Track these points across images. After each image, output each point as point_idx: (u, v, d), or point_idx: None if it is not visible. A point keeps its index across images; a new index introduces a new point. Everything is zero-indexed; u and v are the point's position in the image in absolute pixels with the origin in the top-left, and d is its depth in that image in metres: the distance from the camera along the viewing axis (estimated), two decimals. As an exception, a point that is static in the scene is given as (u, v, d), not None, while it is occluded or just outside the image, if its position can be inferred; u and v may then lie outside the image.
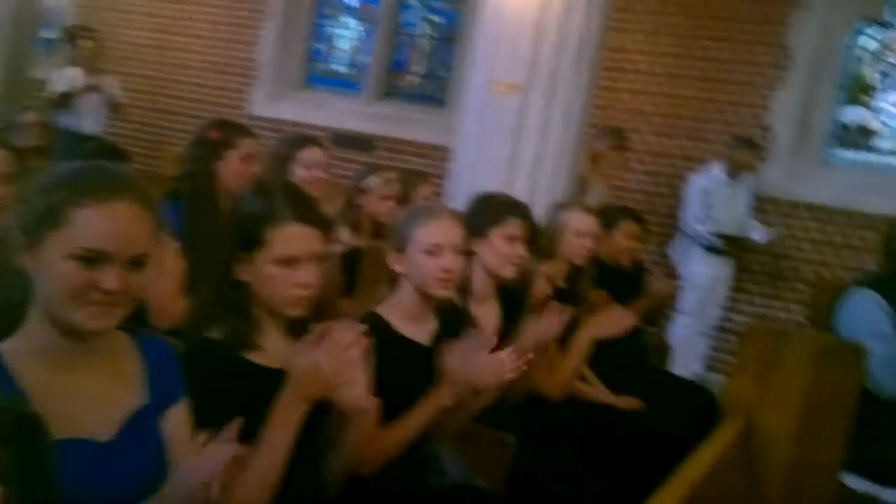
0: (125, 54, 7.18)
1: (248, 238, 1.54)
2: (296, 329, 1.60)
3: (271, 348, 1.57)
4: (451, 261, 1.96)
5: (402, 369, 1.87)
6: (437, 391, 1.88)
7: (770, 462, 1.74)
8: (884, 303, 2.86)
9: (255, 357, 1.55)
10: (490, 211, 2.51)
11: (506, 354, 1.92)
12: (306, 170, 3.11)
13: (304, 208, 1.58)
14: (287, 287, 1.53)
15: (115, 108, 6.09)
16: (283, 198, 1.57)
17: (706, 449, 1.55)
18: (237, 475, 1.28)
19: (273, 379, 1.52)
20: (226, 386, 1.42)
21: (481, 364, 1.88)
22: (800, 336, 1.86)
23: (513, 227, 2.45)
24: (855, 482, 2.59)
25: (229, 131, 2.86)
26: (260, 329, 1.56)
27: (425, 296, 1.99)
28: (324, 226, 1.61)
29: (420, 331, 2.02)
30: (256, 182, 1.86)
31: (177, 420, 1.36)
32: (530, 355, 2.03)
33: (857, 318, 2.85)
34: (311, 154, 3.15)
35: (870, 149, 5.30)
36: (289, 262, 1.53)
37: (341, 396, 1.53)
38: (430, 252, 1.95)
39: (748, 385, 1.81)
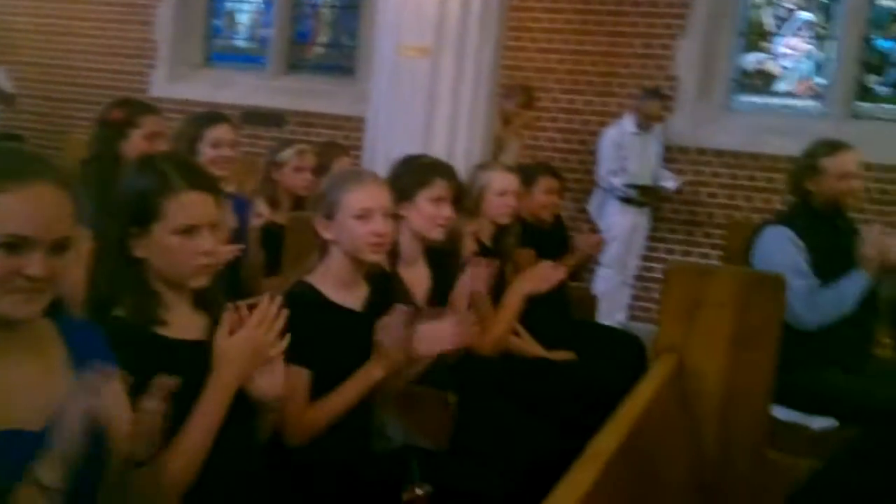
0: (13, 42, 6.83)
1: (143, 212, 1.50)
2: (201, 302, 1.58)
3: (179, 322, 1.54)
4: (382, 224, 1.95)
5: (336, 336, 1.85)
6: (370, 365, 1.88)
7: (703, 397, 1.79)
8: (796, 238, 2.97)
9: (165, 331, 1.52)
10: (414, 173, 2.49)
11: (448, 323, 1.93)
12: (214, 149, 3.01)
13: (195, 175, 1.55)
14: (189, 257, 1.50)
15: (5, 99, 5.79)
16: (173, 168, 1.53)
17: (641, 389, 1.58)
18: (166, 450, 1.27)
19: (185, 351, 1.51)
20: (139, 362, 1.38)
21: (422, 334, 1.90)
22: (722, 273, 1.90)
23: (438, 188, 2.44)
24: (781, 412, 2.70)
25: (132, 110, 2.76)
26: (164, 304, 1.53)
27: (356, 261, 1.97)
28: (217, 191, 1.58)
29: (352, 297, 2.00)
30: (139, 157, 1.81)
31: (111, 401, 1.32)
32: (474, 327, 2.02)
33: (772, 254, 2.95)
34: (218, 132, 3.06)
35: (770, 92, 5.48)
36: (188, 231, 1.50)
37: (256, 386, 1.55)
38: (360, 217, 1.94)
39: (676, 324, 1.85)
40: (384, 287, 2.08)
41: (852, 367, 2.84)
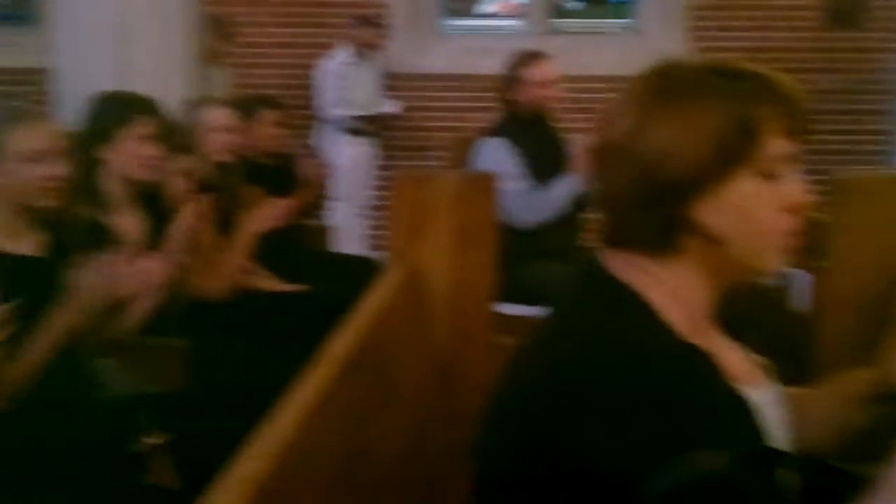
0: None
1: None
2: None
3: None
4: (55, 168, 1.79)
5: (15, 287, 1.68)
6: (60, 309, 1.74)
7: (433, 297, 1.82)
8: (508, 146, 3.16)
9: None
10: (113, 112, 2.33)
11: (150, 260, 1.84)
12: None
13: None
14: None
15: None
16: None
17: (373, 295, 1.57)
18: None
19: None
20: None
21: (124, 273, 1.79)
22: (442, 177, 1.93)
23: (142, 125, 2.30)
24: (507, 308, 2.87)
25: None
26: None
27: (26, 206, 1.79)
28: None
29: (26, 244, 1.82)
30: None
31: None
32: (179, 258, 1.94)
33: (489, 164, 3.10)
34: None
35: (476, 14, 5.72)
36: None
37: None
38: (30, 159, 1.76)
39: (404, 230, 1.87)
40: (78, 231, 1.91)
41: (565, 260, 3.09)
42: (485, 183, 1.94)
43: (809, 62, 5.10)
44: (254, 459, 0.86)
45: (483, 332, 1.80)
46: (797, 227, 0.94)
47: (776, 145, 0.91)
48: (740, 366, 1.00)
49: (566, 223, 3.13)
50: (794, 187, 0.93)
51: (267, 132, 3.51)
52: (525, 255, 2.95)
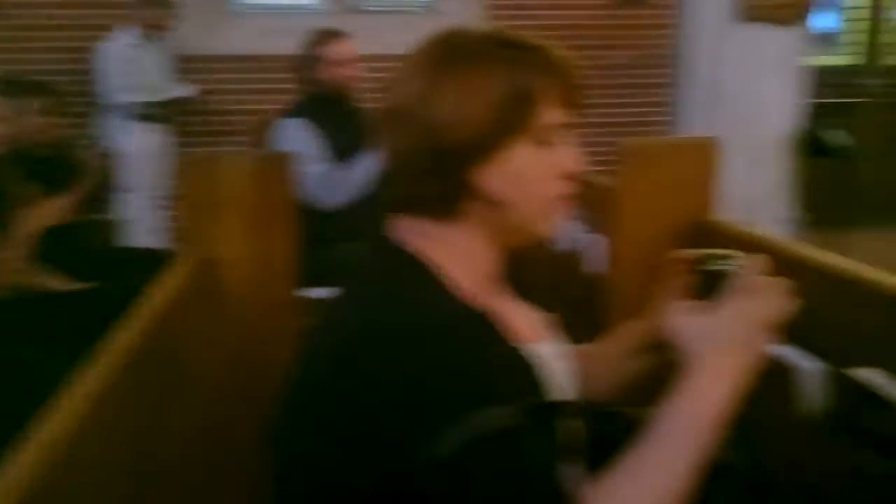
0: None
1: None
2: None
3: None
4: None
5: None
6: None
7: (231, 286, 1.76)
8: (308, 126, 3.10)
9: None
10: None
11: None
12: None
13: None
14: None
15: None
16: None
17: (161, 286, 1.49)
18: None
19: None
20: None
21: None
22: (233, 159, 1.86)
23: None
24: (308, 291, 2.82)
25: None
26: None
27: None
28: None
29: None
30: None
31: None
32: None
33: (290, 144, 3.03)
34: None
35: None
36: None
37: None
38: None
39: (195, 216, 1.78)
40: None
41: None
42: (278, 163, 1.89)
43: (601, 38, 5.40)
44: (18, 466, 0.78)
45: (286, 316, 1.75)
46: (571, 193, 0.97)
47: (552, 115, 0.94)
48: (526, 325, 1.02)
49: (371, 203, 3.11)
50: (567, 155, 0.96)
51: (36, 121, 3.22)
52: (330, 237, 2.91)
